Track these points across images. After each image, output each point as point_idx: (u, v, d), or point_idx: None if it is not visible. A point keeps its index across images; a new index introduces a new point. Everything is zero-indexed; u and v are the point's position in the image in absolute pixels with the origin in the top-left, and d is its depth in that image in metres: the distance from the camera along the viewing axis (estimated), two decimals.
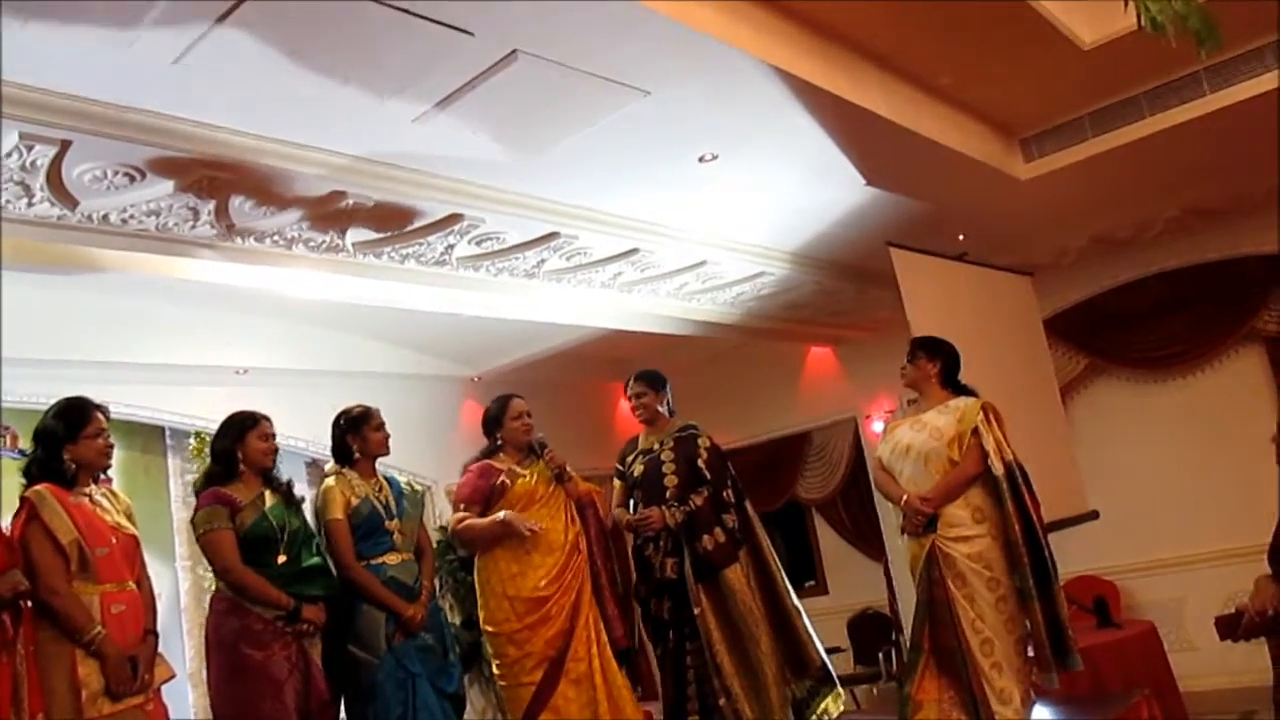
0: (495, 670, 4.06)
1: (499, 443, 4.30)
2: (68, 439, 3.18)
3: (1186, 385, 7.45)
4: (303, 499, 3.79)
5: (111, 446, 3.29)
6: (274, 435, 3.71)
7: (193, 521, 3.55)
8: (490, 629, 4.03)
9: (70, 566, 3.03)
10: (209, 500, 3.54)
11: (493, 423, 4.32)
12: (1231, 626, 2.88)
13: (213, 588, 3.59)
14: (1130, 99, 5.39)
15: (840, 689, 4.34)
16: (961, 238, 6.35)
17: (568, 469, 4.24)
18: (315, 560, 3.64)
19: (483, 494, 4.15)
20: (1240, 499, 7.01)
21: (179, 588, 6.35)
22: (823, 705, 4.30)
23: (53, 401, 3.30)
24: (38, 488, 3.10)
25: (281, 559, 3.52)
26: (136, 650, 3.08)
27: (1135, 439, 7.49)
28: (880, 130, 4.70)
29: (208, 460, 3.76)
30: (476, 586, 4.15)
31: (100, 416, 3.25)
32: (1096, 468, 6.97)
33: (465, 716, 4.03)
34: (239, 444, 3.63)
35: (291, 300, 5.74)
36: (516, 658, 3.98)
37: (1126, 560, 7.28)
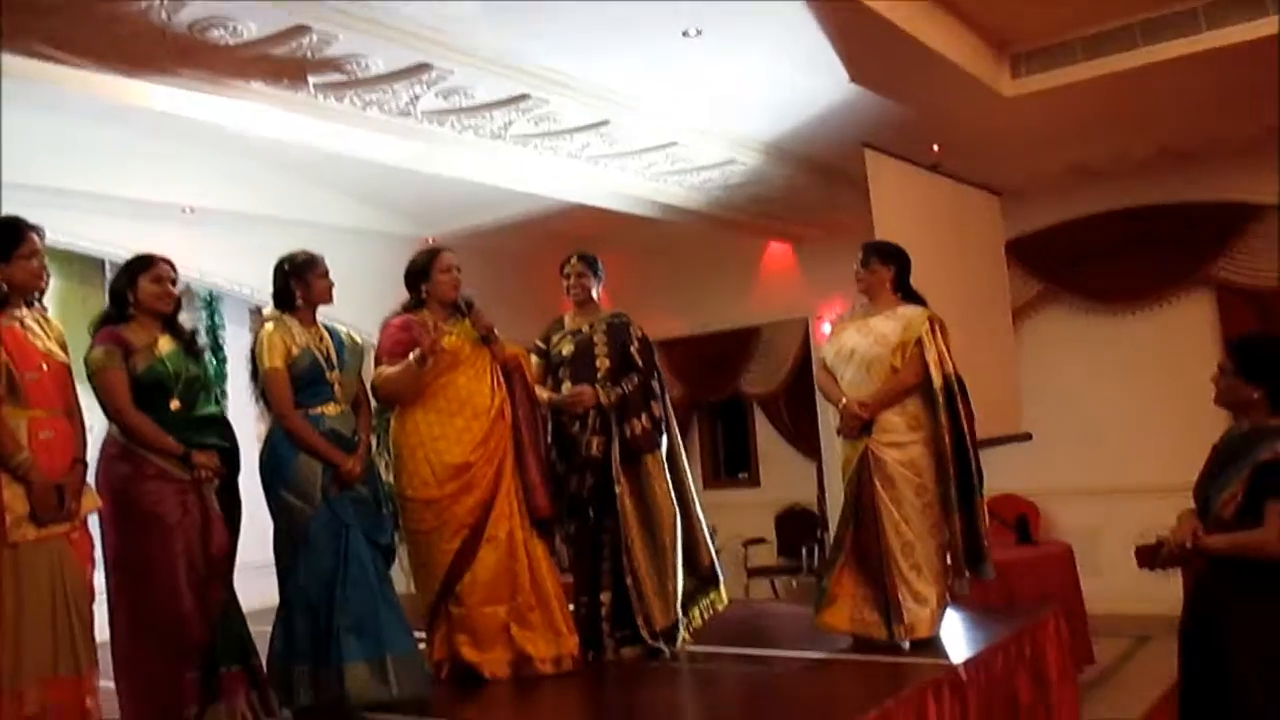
0: (408, 536, 4.01)
1: (423, 297, 4.14)
2: None
3: (1135, 322, 7.58)
4: (205, 348, 3.68)
5: (45, 270, 3.15)
6: (173, 280, 3.51)
7: (86, 360, 3.40)
8: (409, 494, 3.95)
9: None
10: (103, 339, 3.40)
11: (418, 275, 4.14)
12: (1150, 556, 2.95)
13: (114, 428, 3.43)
14: (1125, 27, 5.30)
15: (723, 588, 4.44)
16: (936, 148, 6.28)
17: (495, 331, 4.10)
18: (213, 409, 3.55)
19: (405, 347, 3.98)
20: (1169, 438, 7.21)
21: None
22: (706, 600, 4.39)
23: None
24: None
25: (175, 405, 3.42)
26: (64, 479, 3.01)
27: (1077, 369, 7.64)
28: (872, 26, 4.57)
29: None
30: (393, 449, 4.05)
31: (35, 238, 3.10)
32: (1035, 392, 7.11)
33: (393, 569, 4.03)
34: (130, 286, 3.47)
35: (247, 140, 5.53)
36: (435, 526, 3.93)
37: (1051, 484, 7.50)
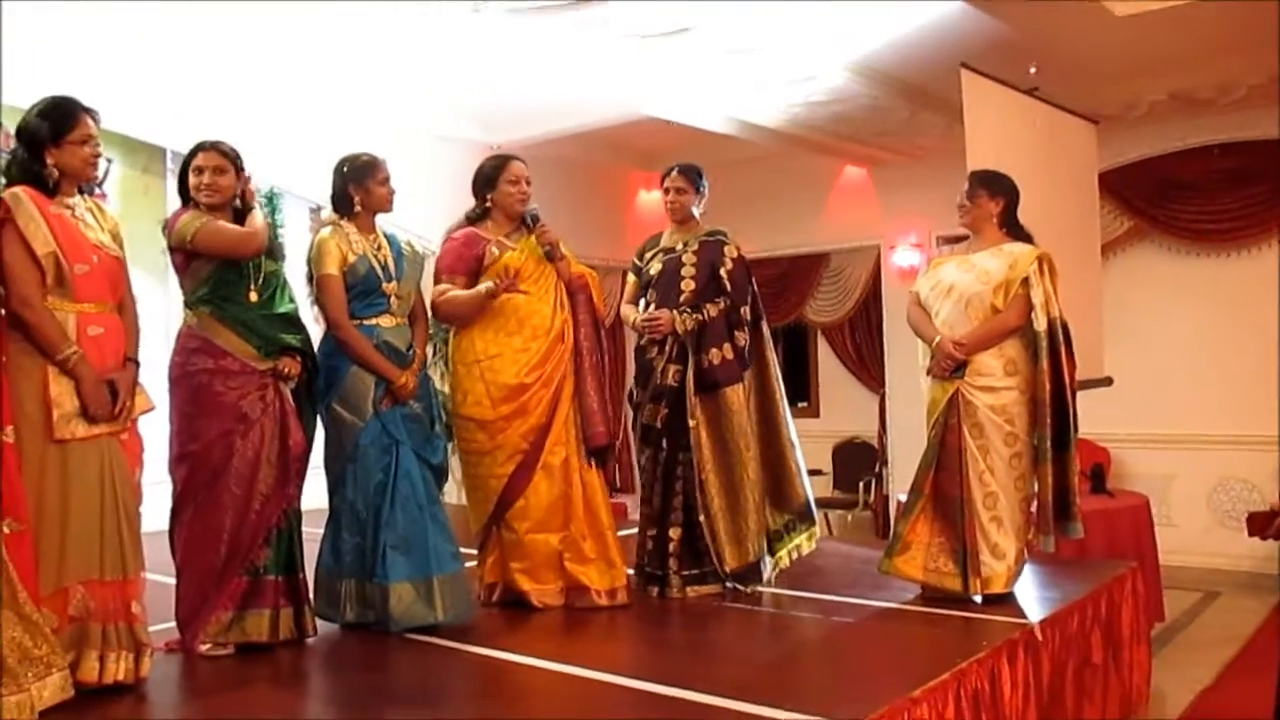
0: (462, 457, 3.89)
1: (488, 207, 3.94)
2: (50, 142, 2.86)
3: (1225, 264, 7.21)
4: (279, 245, 3.55)
5: (99, 156, 2.98)
6: (217, 167, 3.27)
7: (176, 231, 3.25)
8: (462, 412, 3.82)
9: (46, 280, 2.80)
10: (186, 209, 3.31)
11: (485, 183, 3.94)
12: (1263, 524, 2.74)
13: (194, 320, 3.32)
14: None
15: (816, 528, 4.20)
16: (1033, 70, 5.89)
17: (560, 247, 3.93)
18: (288, 307, 3.42)
19: (468, 264, 3.85)
20: (1251, 387, 6.93)
21: (171, 313, 6.21)
22: (797, 540, 4.14)
23: None
24: (14, 190, 2.82)
25: (254, 296, 3.30)
26: (115, 376, 2.89)
27: (1161, 310, 7.30)
28: None
29: None
30: (450, 365, 3.92)
31: (89, 121, 2.93)
32: (1116, 333, 6.75)
33: (446, 487, 3.93)
34: (185, 182, 3.34)
35: (312, 37, 5.32)
36: (489, 449, 3.80)
37: (1125, 430, 7.21)
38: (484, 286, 3.79)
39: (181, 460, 3.27)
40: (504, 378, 3.78)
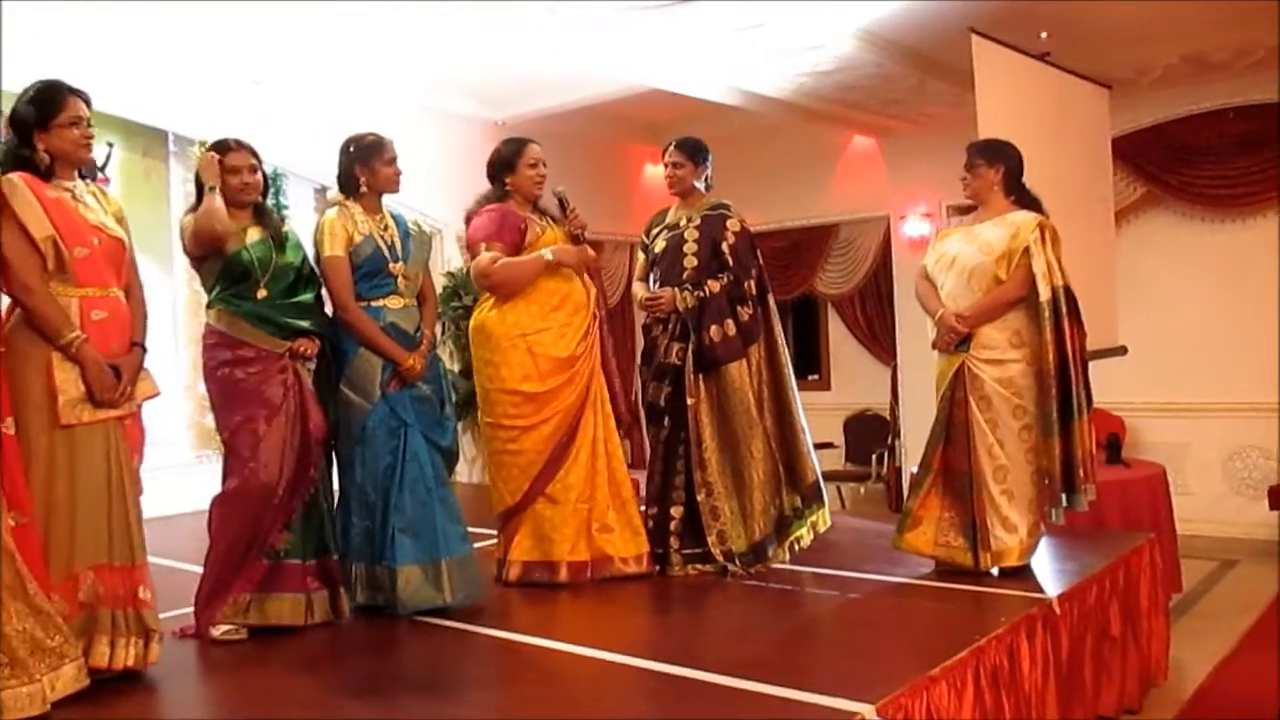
0: (496, 433, 3.86)
1: (507, 190, 3.94)
2: (38, 126, 2.84)
3: (1240, 230, 7.11)
4: (294, 239, 3.54)
5: (90, 138, 2.94)
6: (252, 167, 3.38)
7: (182, 224, 3.41)
8: (509, 387, 3.80)
9: (46, 265, 2.77)
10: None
11: (503, 166, 3.94)
12: None
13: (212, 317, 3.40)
14: None
15: (826, 507, 4.13)
16: (1044, 35, 5.79)
17: (586, 231, 4.00)
18: (306, 297, 3.45)
19: (510, 234, 3.85)
20: (1267, 354, 6.84)
21: (176, 299, 6.18)
22: (813, 518, 4.08)
23: None
24: (10, 176, 2.79)
25: (262, 293, 3.36)
26: (120, 361, 2.87)
27: (1174, 277, 7.22)
28: None
29: None
30: (483, 338, 3.87)
31: (78, 103, 2.89)
32: (1130, 301, 6.68)
33: (458, 467, 3.91)
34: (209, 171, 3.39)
35: (314, 13, 5.26)
36: (535, 422, 3.80)
37: (1139, 399, 7.14)
38: (547, 252, 3.85)
39: (222, 446, 3.38)
40: (553, 350, 3.83)
